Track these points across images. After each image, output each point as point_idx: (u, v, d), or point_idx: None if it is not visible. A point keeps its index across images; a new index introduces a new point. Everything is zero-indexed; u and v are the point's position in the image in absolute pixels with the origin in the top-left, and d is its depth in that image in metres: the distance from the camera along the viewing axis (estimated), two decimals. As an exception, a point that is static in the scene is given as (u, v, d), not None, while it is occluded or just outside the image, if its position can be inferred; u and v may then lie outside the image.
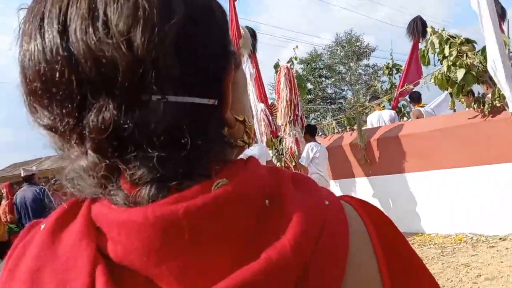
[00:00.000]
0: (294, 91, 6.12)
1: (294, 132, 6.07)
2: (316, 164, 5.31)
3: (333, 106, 23.23)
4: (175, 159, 0.38)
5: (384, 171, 5.51)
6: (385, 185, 5.53)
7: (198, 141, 0.39)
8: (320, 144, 5.44)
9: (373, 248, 0.43)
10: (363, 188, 5.84)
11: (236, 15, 6.67)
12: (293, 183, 0.44)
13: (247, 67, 7.67)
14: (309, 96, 25.20)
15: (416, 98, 6.61)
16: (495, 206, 3.98)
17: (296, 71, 8.39)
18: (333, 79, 25.98)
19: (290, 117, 6.02)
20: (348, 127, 8.91)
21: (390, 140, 5.46)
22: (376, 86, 10.40)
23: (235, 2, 6.71)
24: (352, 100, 21.98)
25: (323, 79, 26.27)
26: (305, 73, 25.37)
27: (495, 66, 4.13)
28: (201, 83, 0.40)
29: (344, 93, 26.66)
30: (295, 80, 6.27)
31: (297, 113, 6.08)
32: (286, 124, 6.08)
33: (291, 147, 6.04)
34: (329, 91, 26.47)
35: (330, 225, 0.40)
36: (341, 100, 25.72)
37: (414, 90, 6.73)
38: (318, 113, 23.24)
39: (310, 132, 5.53)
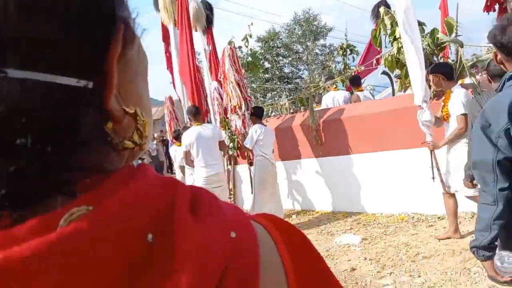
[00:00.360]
0: (240, 72, 6.02)
1: (241, 113, 5.99)
2: (260, 147, 5.25)
3: (289, 85, 23.30)
4: (17, 171, 0.25)
5: (334, 152, 5.55)
6: (334, 166, 5.59)
7: (60, 142, 0.28)
8: (265, 126, 5.36)
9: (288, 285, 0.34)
10: (313, 168, 5.87)
11: None
12: (192, 204, 0.33)
13: (202, 43, 7.39)
14: (267, 75, 25.10)
15: (355, 82, 6.65)
16: (436, 187, 4.10)
17: (251, 49, 8.19)
18: (290, 59, 25.97)
19: (239, 98, 5.92)
20: (302, 108, 8.94)
21: (340, 122, 5.49)
22: (330, 66, 10.48)
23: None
24: (308, 80, 22.14)
25: (281, 58, 26.19)
26: (263, 51, 25.13)
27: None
28: (66, 57, 0.29)
29: (300, 72, 26.77)
30: (239, 61, 6.17)
31: (243, 95, 5.98)
32: (236, 106, 5.97)
33: (239, 128, 6.00)
34: (286, 70, 26.45)
35: (236, 266, 0.31)
36: (298, 80, 25.84)
37: (354, 74, 6.83)
38: (275, 92, 23.23)
39: (256, 114, 5.43)
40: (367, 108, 5.35)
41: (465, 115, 3.62)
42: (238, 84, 5.92)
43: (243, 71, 6.16)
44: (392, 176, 4.95)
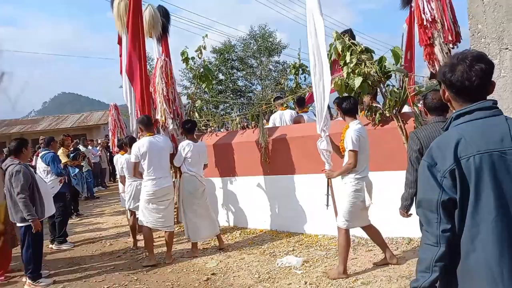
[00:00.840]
0: (171, 86, 5.88)
1: (170, 128, 5.84)
2: (188, 164, 5.05)
3: (242, 99, 23.35)
4: None
5: (281, 171, 5.52)
6: (280, 185, 5.54)
7: None
8: (194, 142, 5.12)
9: None
10: (259, 186, 5.79)
11: None
12: None
13: (156, 50, 7.13)
14: (220, 86, 25.02)
15: (300, 103, 6.70)
16: (378, 212, 4.17)
17: (204, 60, 8.06)
18: (244, 72, 26.10)
19: (165, 112, 5.77)
20: (252, 123, 8.89)
21: (286, 141, 5.48)
22: (283, 83, 10.58)
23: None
24: (261, 95, 22.34)
25: (235, 71, 26.26)
26: (217, 62, 25.05)
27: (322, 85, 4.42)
28: None
29: (254, 87, 26.97)
30: (173, 74, 6.02)
31: (173, 108, 5.83)
32: (164, 120, 5.81)
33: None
34: (240, 83, 26.55)
35: None
36: (251, 94, 26.00)
37: (300, 96, 6.93)
38: (227, 105, 23.17)
39: (186, 129, 5.19)
40: (310, 130, 5.39)
41: (353, 151, 3.80)
42: (167, 98, 5.77)
43: (174, 84, 6.00)
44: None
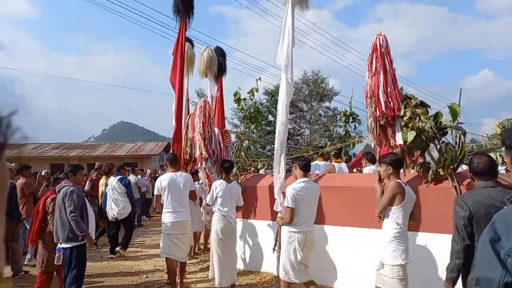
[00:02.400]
0: (209, 125, 6.02)
1: (204, 166, 5.94)
2: (219, 203, 5.07)
3: (289, 142, 23.41)
4: None
5: (319, 220, 5.34)
6: (319, 235, 5.35)
7: None
8: (227, 183, 5.16)
9: None
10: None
11: (183, 39, 6.65)
12: None
13: (210, 88, 7.47)
14: (269, 127, 25.35)
15: (336, 154, 6.93)
16: (429, 276, 3.88)
17: (255, 102, 8.25)
18: (294, 115, 26.33)
19: (203, 151, 5.89)
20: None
21: (330, 190, 5.35)
22: (332, 130, 10.52)
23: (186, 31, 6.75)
24: (308, 139, 22.30)
25: (285, 113, 26.56)
26: (268, 104, 25.56)
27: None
28: None
29: (302, 130, 27.04)
30: (212, 115, 6.21)
31: (209, 147, 5.94)
32: (201, 158, 5.94)
33: (203, 181, 5.99)
34: (289, 126, 26.74)
35: None
36: (298, 137, 26.02)
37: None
38: (274, 145, 23.28)
39: (223, 168, 5.27)
40: (355, 181, 5.22)
41: (288, 208, 4.15)
42: (203, 137, 5.91)
43: (213, 124, 6.20)
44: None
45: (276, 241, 4.85)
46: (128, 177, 9.01)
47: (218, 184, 5.13)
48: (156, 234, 9.84)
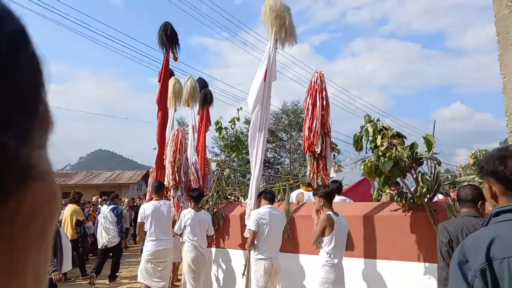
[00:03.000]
0: (180, 154, 6.06)
1: (173, 195, 5.94)
2: (187, 232, 5.08)
3: (269, 170, 23.47)
4: None
5: (302, 249, 5.33)
6: (303, 264, 5.32)
7: None
8: (196, 211, 5.19)
9: None
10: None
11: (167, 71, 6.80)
12: None
13: (192, 118, 7.56)
14: (249, 156, 25.39)
15: (307, 184, 6.72)
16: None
17: (236, 131, 8.32)
18: (274, 145, 26.54)
19: (170, 180, 5.92)
20: (278, 197, 8.84)
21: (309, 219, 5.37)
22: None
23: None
24: (288, 168, 22.42)
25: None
26: (248, 133, 25.68)
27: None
28: None
29: (282, 159, 27.21)
30: (184, 144, 6.25)
31: (177, 176, 5.95)
32: (170, 186, 5.96)
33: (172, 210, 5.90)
34: (269, 155, 26.90)
35: None
36: (279, 166, 26.14)
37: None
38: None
39: (192, 197, 5.35)
40: (341, 210, 5.27)
41: (251, 230, 4.36)
42: (172, 165, 5.94)
43: (185, 152, 6.21)
44: (352, 283, 4.72)
45: (245, 266, 4.91)
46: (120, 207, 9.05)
47: (187, 213, 5.17)
48: (132, 265, 9.52)
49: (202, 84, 7.91)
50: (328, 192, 4.11)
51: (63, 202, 9.98)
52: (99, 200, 13.52)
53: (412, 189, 4.77)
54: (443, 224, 2.87)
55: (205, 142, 7.71)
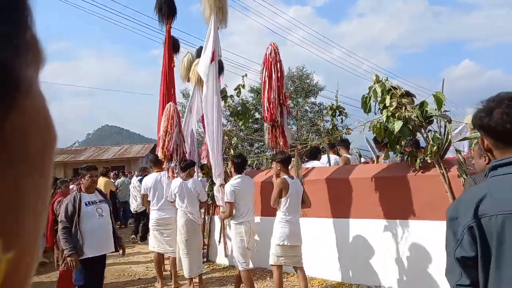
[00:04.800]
0: (171, 127, 6.07)
1: (167, 166, 6.00)
2: (177, 200, 5.31)
3: (277, 138, 23.44)
4: None
5: (314, 213, 5.37)
6: (314, 228, 5.38)
7: None
8: (184, 180, 5.34)
9: None
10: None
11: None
12: None
13: (193, 94, 7.49)
14: (256, 125, 25.35)
15: (345, 145, 6.80)
16: (419, 263, 3.94)
17: (242, 99, 8.24)
18: (280, 112, 26.38)
19: (161, 152, 5.98)
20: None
21: (321, 183, 5.37)
22: (319, 125, 10.59)
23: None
24: (296, 135, 22.37)
25: (271, 110, 26.59)
26: (254, 102, 25.52)
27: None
28: None
29: (289, 126, 27.14)
30: (175, 118, 6.21)
31: (171, 148, 5.98)
32: (163, 159, 6.03)
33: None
34: (276, 123, 26.81)
35: None
36: (286, 134, 26.12)
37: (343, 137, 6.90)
38: (262, 143, 23.31)
39: (181, 168, 5.52)
40: (351, 172, 5.27)
41: (228, 202, 4.66)
42: (163, 139, 6.02)
43: (177, 126, 6.19)
44: (365, 244, 4.78)
45: (220, 234, 5.37)
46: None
47: (174, 182, 5.43)
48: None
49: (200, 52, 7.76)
50: (284, 158, 4.51)
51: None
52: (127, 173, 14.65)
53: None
54: (472, 178, 2.82)
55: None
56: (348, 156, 6.50)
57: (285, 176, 4.45)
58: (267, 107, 5.50)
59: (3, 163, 0.19)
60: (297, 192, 4.49)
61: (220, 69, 7.62)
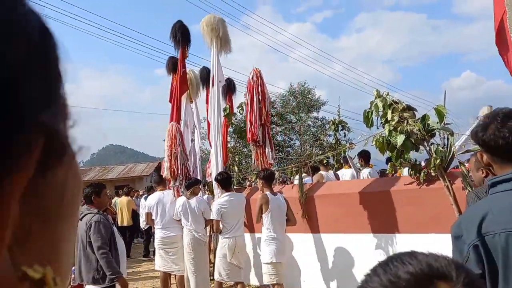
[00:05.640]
0: (175, 146, 6.15)
1: (172, 185, 6.06)
2: (182, 219, 5.35)
3: (280, 154, 23.48)
4: None
5: (320, 229, 5.36)
6: (319, 243, 5.36)
7: None
8: (187, 199, 5.39)
9: None
10: (297, 244, 5.63)
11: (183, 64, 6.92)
12: None
13: (193, 114, 7.63)
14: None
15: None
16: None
17: (244, 116, 8.32)
18: (283, 127, 26.47)
19: (170, 171, 6.04)
20: (291, 178, 8.87)
21: (328, 198, 5.38)
22: (322, 139, 10.66)
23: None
24: (299, 150, 22.41)
25: (274, 126, 26.70)
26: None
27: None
28: None
29: (292, 142, 27.16)
30: (178, 137, 6.30)
31: (176, 167, 6.06)
32: (169, 178, 6.09)
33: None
34: (279, 138, 26.86)
35: None
36: (289, 149, 26.12)
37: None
38: (266, 158, 23.30)
39: (186, 186, 5.58)
40: (355, 187, 5.28)
41: (213, 220, 4.89)
42: (169, 159, 6.10)
43: (180, 145, 6.26)
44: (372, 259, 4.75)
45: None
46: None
47: (178, 201, 5.49)
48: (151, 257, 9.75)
49: (206, 72, 7.87)
50: (266, 175, 4.69)
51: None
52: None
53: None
54: (474, 192, 2.79)
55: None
56: (322, 173, 6.60)
57: (267, 192, 4.59)
58: (249, 128, 5.86)
59: (48, 209, 0.24)
60: (279, 207, 4.58)
61: (233, 88, 7.79)
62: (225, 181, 5.08)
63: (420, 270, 0.56)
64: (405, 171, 6.67)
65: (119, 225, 10.24)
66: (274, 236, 4.45)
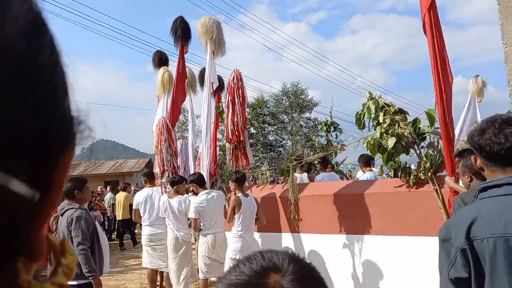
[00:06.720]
0: (160, 144, 6.12)
1: (161, 181, 6.03)
2: (166, 218, 5.37)
3: (272, 153, 23.52)
4: None
5: (310, 229, 5.37)
6: (309, 244, 5.37)
7: None
8: (170, 198, 5.38)
9: None
10: (287, 243, 5.64)
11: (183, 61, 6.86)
12: None
13: (190, 105, 7.60)
14: (251, 140, 25.44)
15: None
16: (411, 277, 3.93)
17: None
18: (275, 127, 26.51)
19: (160, 167, 6.04)
20: (282, 178, 8.87)
21: (318, 198, 5.39)
22: (313, 140, 10.68)
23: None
24: (291, 150, 22.46)
25: (266, 125, 26.72)
26: (250, 117, 25.66)
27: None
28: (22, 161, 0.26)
29: (284, 142, 27.22)
30: (170, 131, 6.29)
31: (162, 163, 6.04)
32: (159, 174, 6.08)
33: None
34: (271, 138, 26.91)
35: None
36: (281, 149, 26.17)
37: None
38: (257, 158, 23.34)
39: (170, 184, 5.59)
40: (346, 188, 5.30)
41: (192, 218, 4.97)
42: (157, 155, 6.10)
43: (166, 140, 6.20)
44: (362, 260, 4.78)
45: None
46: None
47: (162, 199, 5.49)
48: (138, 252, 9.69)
49: (202, 72, 7.84)
50: (238, 178, 4.89)
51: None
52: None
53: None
54: (460, 197, 2.77)
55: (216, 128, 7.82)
56: (297, 175, 6.61)
57: (239, 194, 4.79)
58: (231, 129, 5.86)
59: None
60: (250, 209, 4.81)
61: (222, 85, 7.74)
62: (200, 180, 5.18)
63: (260, 264, 0.67)
64: (358, 174, 6.83)
65: (117, 219, 10.76)
66: (241, 234, 4.70)
